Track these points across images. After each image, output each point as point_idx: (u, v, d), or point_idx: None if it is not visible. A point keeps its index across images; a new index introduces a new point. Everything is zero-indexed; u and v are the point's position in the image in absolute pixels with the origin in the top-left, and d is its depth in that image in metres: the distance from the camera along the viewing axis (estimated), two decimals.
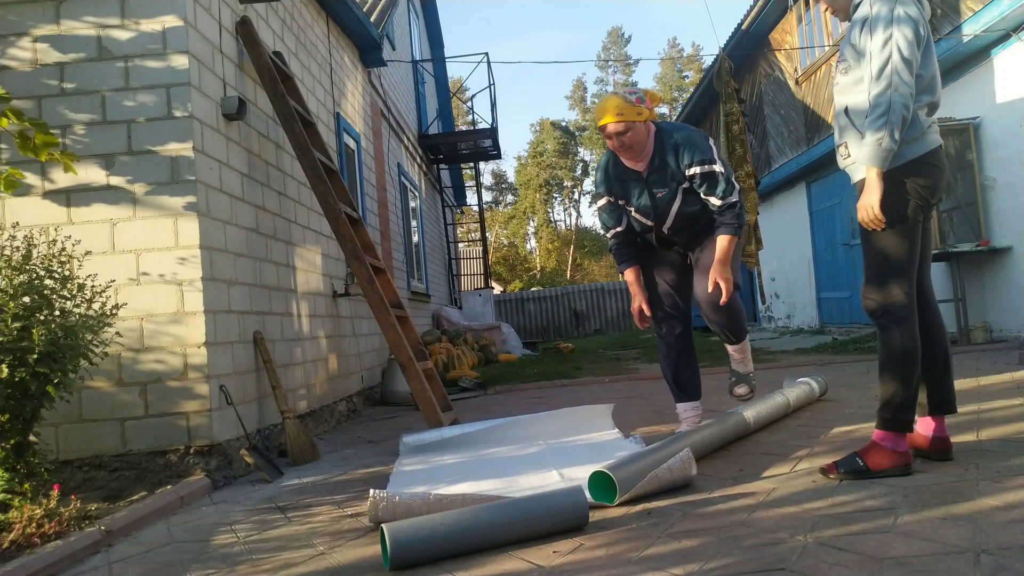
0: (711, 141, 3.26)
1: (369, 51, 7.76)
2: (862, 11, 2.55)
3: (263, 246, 4.29)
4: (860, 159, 2.54)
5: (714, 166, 3.18)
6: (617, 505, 2.47)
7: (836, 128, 2.70)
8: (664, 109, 45.59)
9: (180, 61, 3.48)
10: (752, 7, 11.44)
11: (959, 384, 2.76)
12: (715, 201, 3.24)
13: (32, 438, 2.82)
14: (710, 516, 2.26)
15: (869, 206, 2.49)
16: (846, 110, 2.61)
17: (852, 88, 2.59)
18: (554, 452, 3.44)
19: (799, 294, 12.10)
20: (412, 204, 10.69)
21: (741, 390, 3.60)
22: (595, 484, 2.58)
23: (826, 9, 2.80)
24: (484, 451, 3.61)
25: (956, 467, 2.51)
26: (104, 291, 3.00)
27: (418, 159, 11.63)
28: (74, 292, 2.88)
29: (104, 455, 3.32)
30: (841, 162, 2.69)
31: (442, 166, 14.24)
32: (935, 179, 2.56)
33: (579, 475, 2.83)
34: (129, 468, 3.33)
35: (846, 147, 2.64)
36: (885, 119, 2.41)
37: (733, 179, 3.24)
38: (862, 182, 2.55)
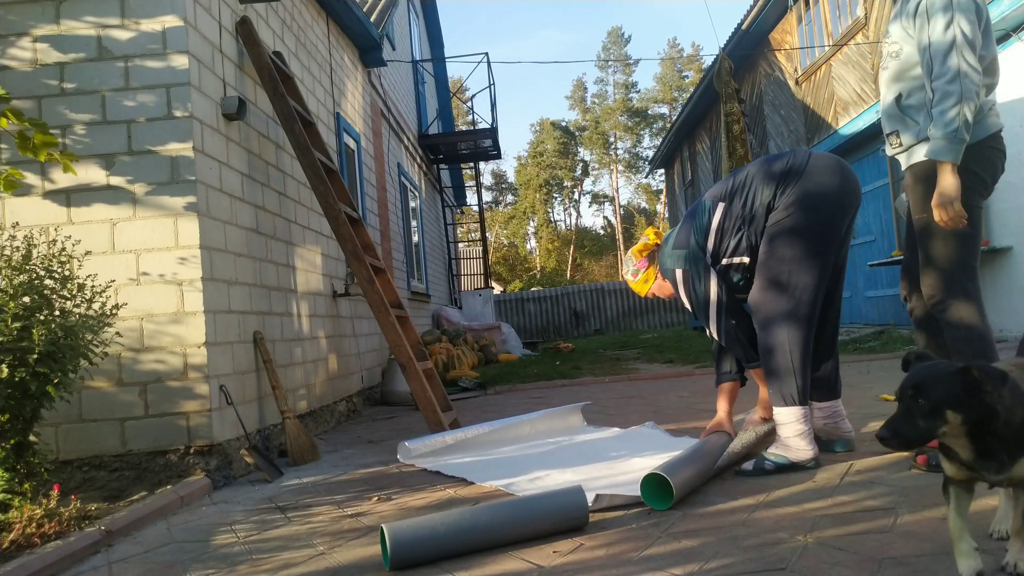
0: (671, 256, 2.97)
1: (369, 51, 7.76)
2: None
3: (263, 246, 4.29)
4: (929, 152, 2.40)
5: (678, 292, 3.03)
6: (617, 504, 2.46)
7: (884, 117, 2.60)
8: (664, 109, 45.67)
9: (180, 61, 3.48)
10: (752, 7, 11.45)
11: None
12: None
13: (32, 438, 2.82)
14: (710, 516, 2.26)
15: (949, 203, 2.35)
16: (898, 98, 2.50)
17: (906, 73, 2.47)
18: (579, 448, 3.55)
19: None
20: (412, 204, 10.69)
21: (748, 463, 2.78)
22: (646, 487, 2.43)
23: None
24: (495, 452, 3.67)
25: None
26: (104, 291, 3.00)
27: (418, 159, 11.62)
28: (74, 292, 2.88)
29: (104, 455, 3.32)
30: (890, 151, 2.62)
31: (442, 166, 14.24)
32: (996, 163, 2.46)
33: (623, 469, 2.92)
34: (129, 468, 3.33)
35: (897, 136, 2.53)
36: (958, 109, 2.28)
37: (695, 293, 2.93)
38: (916, 166, 2.46)
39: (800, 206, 2.70)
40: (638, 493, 2.42)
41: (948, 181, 2.36)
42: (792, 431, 2.70)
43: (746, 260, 2.85)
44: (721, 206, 2.87)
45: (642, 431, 3.77)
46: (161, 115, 3.47)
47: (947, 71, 2.32)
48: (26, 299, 2.71)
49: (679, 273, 2.95)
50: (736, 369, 3.08)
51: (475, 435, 3.79)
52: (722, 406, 3.02)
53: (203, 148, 3.58)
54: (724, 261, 2.88)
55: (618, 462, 3.09)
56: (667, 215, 24.97)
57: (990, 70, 2.46)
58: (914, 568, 1.66)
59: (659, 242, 3.15)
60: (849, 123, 9.36)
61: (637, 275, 3.23)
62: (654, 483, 2.42)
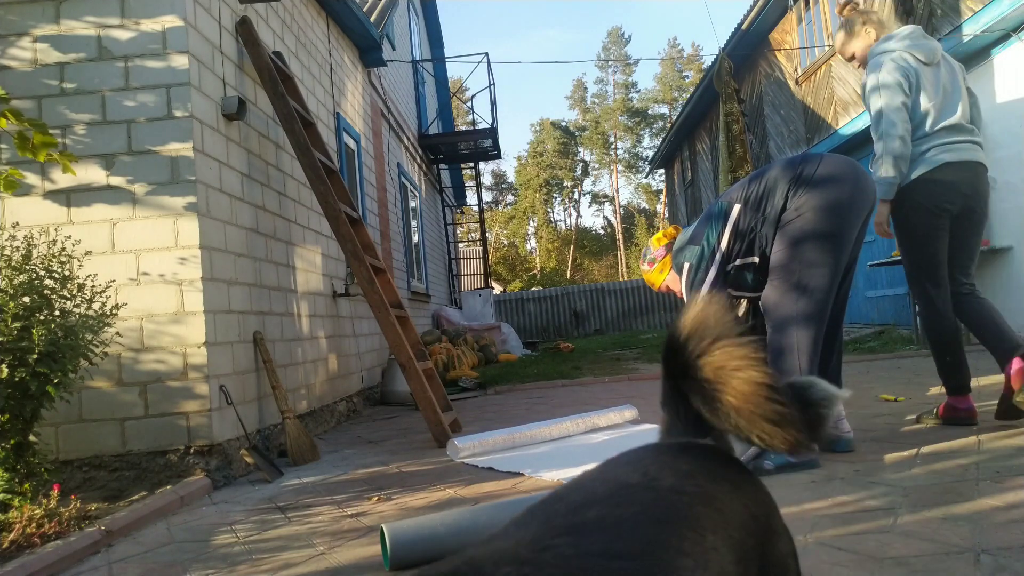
0: (683, 252, 3.04)
1: (369, 51, 7.76)
2: (864, 78, 3.20)
3: (263, 246, 4.29)
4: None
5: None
6: None
7: None
8: (664, 109, 45.67)
9: (180, 61, 3.48)
10: (752, 7, 11.45)
11: None
12: None
13: (32, 438, 2.82)
14: None
15: (878, 226, 3.16)
16: None
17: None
18: (627, 443, 3.60)
19: None
20: (412, 204, 10.69)
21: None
22: None
23: (856, 64, 3.39)
24: (544, 447, 3.71)
25: (956, 467, 2.51)
26: (104, 291, 3.00)
27: (418, 159, 11.62)
28: (74, 292, 2.88)
29: (104, 455, 3.32)
30: None
31: (442, 166, 14.24)
32: (936, 193, 3.06)
33: None
34: (129, 468, 3.33)
35: None
36: (880, 161, 3.08)
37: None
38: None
39: (813, 209, 2.74)
40: None
41: (879, 211, 3.13)
42: None
43: (756, 260, 2.89)
44: (737, 208, 2.91)
45: None
46: (161, 115, 3.47)
47: (876, 133, 3.11)
48: (26, 299, 2.71)
49: (686, 267, 3.06)
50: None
51: (523, 434, 3.83)
52: None
53: (203, 148, 3.58)
54: (737, 262, 2.93)
55: None
56: (667, 215, 25.01)
57: (922, 123, 3.07)
58: (914, 568, 1.66)
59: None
60: (849, 123, 9.36)
61: (654, 264, 3.27)
62: None
